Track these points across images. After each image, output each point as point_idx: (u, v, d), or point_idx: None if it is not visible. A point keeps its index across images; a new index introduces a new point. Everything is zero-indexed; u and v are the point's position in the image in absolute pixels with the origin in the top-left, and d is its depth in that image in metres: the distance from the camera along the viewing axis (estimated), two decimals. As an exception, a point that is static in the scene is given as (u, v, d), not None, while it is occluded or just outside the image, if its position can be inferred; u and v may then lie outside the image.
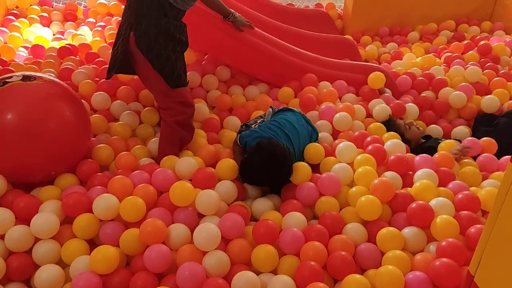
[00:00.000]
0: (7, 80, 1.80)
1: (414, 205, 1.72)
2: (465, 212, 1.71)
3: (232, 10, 2.48)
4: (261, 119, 2.26)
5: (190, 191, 1.76)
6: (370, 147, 2.07)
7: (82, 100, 2.08)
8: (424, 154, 2.03)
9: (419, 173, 1.91)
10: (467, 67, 2.91)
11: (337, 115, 2.35)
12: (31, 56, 3.00)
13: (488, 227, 1.02)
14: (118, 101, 2.46)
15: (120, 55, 2.03)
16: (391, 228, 1.68)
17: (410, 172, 1.98)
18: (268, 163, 1.81)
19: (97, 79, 2.63)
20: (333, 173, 1.95)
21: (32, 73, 1.91)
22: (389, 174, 1.93)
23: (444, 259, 1.50)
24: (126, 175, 1.87)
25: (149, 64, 2.01)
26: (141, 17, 1.98)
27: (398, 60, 3.25)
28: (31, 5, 3.70)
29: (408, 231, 1.69)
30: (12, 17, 3.47)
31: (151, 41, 1.99)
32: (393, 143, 2.11)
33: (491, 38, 3.56)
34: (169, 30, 2.02)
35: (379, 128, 2.33)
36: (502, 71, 2.97)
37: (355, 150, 2.07)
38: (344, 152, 2.07)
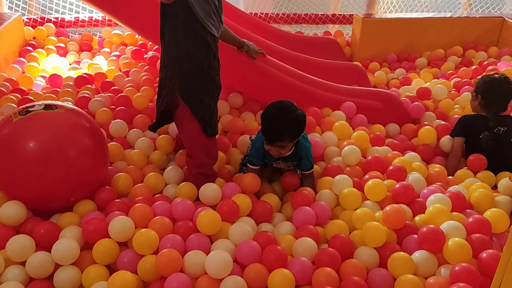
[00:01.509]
0: (29, 109, 1.86)
1: (425, 229, 1.73)
2: (477, 235, 1.72)
3: (245, 40, 2.55)
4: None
5: (218, 220, 1.81)
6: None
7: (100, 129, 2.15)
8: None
9: (432, 197, 1.93)
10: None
11: (346, 148, 2.32)
12: (49, 86, 3.09)
13: (506, 256, 1.03)
14: (135, 129, 2.52)
15: (165, 106, 2.02)
16: (402, 253, 1.70)
17: (419, 199, 2.00)
18: (278, 110, 1.95)
19: (113, 107, 2.70)
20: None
21: (53, 102, 1.98)
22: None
23: (461, 284, 1.50)
24: (147, 203, 1.90)
25: (189, 110, 1.97)
26: (182, 60, 1.93)
27: (406, 86, 3.30)
28: (48, 36, 3.82)
29: (419, 255, 1.70)
30: (30, 48, 3.58)
31: (193, 86, 1.96)
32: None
33: (498, 63, 3.60)
34: (210, 73, 1.99)
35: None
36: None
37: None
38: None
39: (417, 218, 1.92)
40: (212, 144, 2.10)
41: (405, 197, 1.98)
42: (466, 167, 2.35)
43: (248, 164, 2.18)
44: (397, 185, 2.01)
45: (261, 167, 2.19)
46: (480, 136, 2.39)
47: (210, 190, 1.99)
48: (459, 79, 3.31)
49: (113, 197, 2.00)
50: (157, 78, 3.06)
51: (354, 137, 2.45)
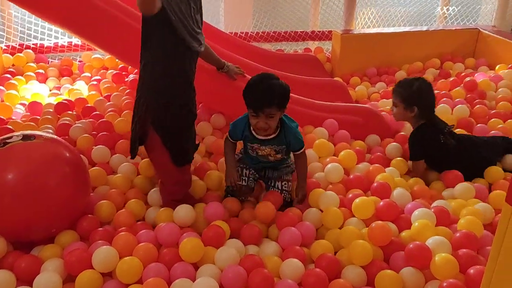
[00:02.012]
0: (7, 141, 1.84)
1: (411, 245, 1.73)
2: (464, 250, 1.73)
3: (225, 62, 2.56)
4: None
5: (200, 247, 1.78)
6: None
7: (81, 155, 2.12)
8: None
9: (416, 212, 1.94)
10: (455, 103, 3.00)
11: (329, 166, 2.33)
12: (29, 113, 3.05)
13: (489, 272, 1.04)
14: (118, 154, 2.49)
15: (139, 133, 1.97)
16: (389, 271, 1.69)
17: (404, 215, 2.01)
18: (262, 78, 1.98)
19: (94, 132, 2.67)
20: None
21: (32, 132, 1.96)
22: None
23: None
24: (131, 231, 1.88)
25: (158, 138, 1.93)
26: (156, 92, 1.88)
27: (385, 99, 3.34)
28: (27, 63, 3.79)
29: (406, 271, 1.70)
30: (9, 75, 3.54)
31: (167, 118, 1.91)
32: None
33: (475, 74, 3.67)
34: (185, 104, 1.95)
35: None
36: (493, 112, 3.03)
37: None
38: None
39: (403, 234, 1.92)
40: (183, 173, 2.06)
41: (389, 214, 1.98)
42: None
43: (228, 137, 2.17)
44: (381, 203, 2.01)
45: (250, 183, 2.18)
46: (442, 141, 2.37)
47: (184, 212, 1.98)
48: (438, 91, 3.36)
49: (96, 225, 1.96)
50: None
51: (341, 156, 2.44)
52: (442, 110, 2.95)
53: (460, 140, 2.43)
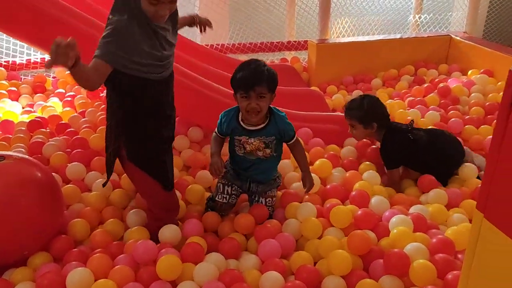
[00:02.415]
0: (-24, 162, 1.79)
1: (389, 253, 1.74)
2: (441, 255, 1.74)
3: (192, 15, 2.25)
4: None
5: (178, 265, 1.75)
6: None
7: (54, 174, 2.07)
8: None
9: (394, 219, 1.95)
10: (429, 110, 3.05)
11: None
12: (0, 132, 2.98)
13: (463, 280, 1.04)
14: (93, 172, 2.45)
15: (114, 162, 1.92)
16: (369, 280, 1.69)
17: (382, 222, 2.01)
18: (251, 61, 1.97)
19: (69, 150, 2.62)
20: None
21: (2, 153, 1.91)
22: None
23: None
24: (106, 251, 1.84)
25: (139, 169, 1.87)
26: (127, 126, 1.81)
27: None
28: (-1, 81, 3.72)
29: (385, 279, 1.70)
30: (-20, 94, 3.47)
31: (143, 151, 1.85)
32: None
33: (449, 80, 3.74)
34: (160, 131, 1.87)
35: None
36: (467, 117, 3.08)
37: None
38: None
39: (382, 241, 1.92)
40: (171, 197, 2.01)
41: (367, 222, 1.98)
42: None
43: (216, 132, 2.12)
44: (359, 212, 2.01)
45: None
46: (412, 138, 2.39)
47: (169, 231, 1.94)
48: (413, 98, 3.41)
49: (70, 246, 1.91)
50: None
51: (317, 165, 2.44)
52: (415, 113, 3.00)
53: (426, 131, 2.50)
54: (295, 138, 2.11)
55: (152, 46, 1.72)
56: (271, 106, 2.06)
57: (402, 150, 2.41)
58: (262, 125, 2.03)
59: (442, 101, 3.32)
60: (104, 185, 2.04)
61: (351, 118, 2.49)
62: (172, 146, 2.01)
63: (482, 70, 3.78)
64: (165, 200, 1.99)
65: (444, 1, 4.91)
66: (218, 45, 4.23)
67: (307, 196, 2.24)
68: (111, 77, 1.66)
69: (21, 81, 3.84)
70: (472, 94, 3.40)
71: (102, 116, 3.01)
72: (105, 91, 3.43)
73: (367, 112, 2.44)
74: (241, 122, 2.04)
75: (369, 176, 2.36)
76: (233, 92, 2.00)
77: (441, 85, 3.53)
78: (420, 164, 2.45)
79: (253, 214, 2.11)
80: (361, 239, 1.83)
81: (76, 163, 2.45)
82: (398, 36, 4.37)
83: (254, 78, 1.89)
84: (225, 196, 2.14)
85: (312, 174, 2.25)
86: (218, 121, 2.11)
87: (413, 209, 2.10)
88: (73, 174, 2.40)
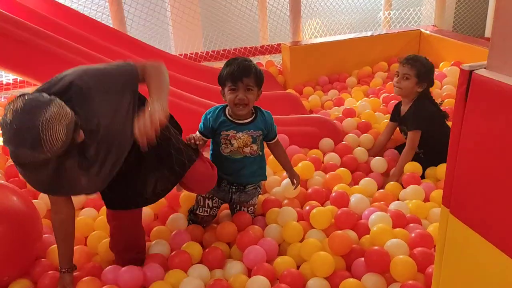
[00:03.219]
0: None
1: (370, 251, 1.77)
2: (419, 249, 1.77)
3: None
4: None
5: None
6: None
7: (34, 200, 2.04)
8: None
9: (373, 216, 1.97)
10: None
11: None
12: (-25, 158, 2.93)
13: (436, 277, 1.06)
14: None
15: None
16: (351, 280, 1.72)
17: (362, 221, 2.03)
18: (238, 57, 1.99)
19: (46, 171, 2.58)
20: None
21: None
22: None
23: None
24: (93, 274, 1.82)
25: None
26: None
27: (337, 107, 3.42)
28: (-29, 104, 3.65)
29: (367, 278, 1.73)
30: (-48, 120, 3.40)
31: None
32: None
33: (421, 73, 3.79)
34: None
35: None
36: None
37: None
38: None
39: (362, 240, 1.95)
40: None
41: (347, 222, 2.01)
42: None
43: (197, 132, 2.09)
44: (338, 211, 2.04)
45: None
46: (441, 113, 2.53)
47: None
48: (387, 94, 3.45)
49: (49, 269, 1.88)
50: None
51: (299, 167, 2.44)
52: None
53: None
54: (276, 138, 2.14)
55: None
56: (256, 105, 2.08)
57: (432, 115, 2.50)
58: (250, 119, 2.04)
59: (416, 95, 3.36)
60: None
61: (411, 68, 2.49)
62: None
63: (452, 62, 3.85)
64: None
65: (413, -4, 5.00)
66: (192, 53, 4.22)
67: (286, 201, 2.25)
68: None
69: (-6, 102, 3.79)
70: (444, 87, 3.45)
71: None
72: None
73: (427, 71, 2.52)
74: (229, 116, 2.04)
75: (365, 183, 2.38)
76: (220, 89, 2.01)
77: (414, 79, 3.57)
78: (434, 141, 2.47)
79: (236, 222, 2.11)
80: (341, 239, 1.86)
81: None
82: (369, 33, 4.42)
83: (242, 70, 1.92)
84: (206, 209, 2.14)
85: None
86: (202, 118, 2.09)
87: (393, 206, 2.12)
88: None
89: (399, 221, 1.98)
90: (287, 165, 2.19)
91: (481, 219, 0.93)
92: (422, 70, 2.50)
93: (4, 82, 3.88)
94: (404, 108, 2.62)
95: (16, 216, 1.80)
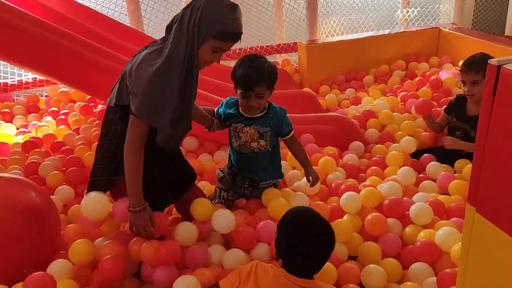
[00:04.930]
0: (-30, 186, 1.80)
1: (419, 243, 1.81)
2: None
3: (213, 119, 2.16)
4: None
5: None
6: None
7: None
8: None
9: (413, 207, 1.99)
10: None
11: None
12: (-4, 155, 2.98)
13: (460, 276, 1.04)
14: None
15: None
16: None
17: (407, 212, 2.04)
18: (250, 58, 1.98)
19: (64, 168, 2.62)
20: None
21: (-2, 174, 1.92)
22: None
23: None
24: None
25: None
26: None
27: (354, 106, 3.39)
28: (-9, 103, 3.72)
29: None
30: (-26, 118, 3.47)
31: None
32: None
33: (440, 72, 3.74)
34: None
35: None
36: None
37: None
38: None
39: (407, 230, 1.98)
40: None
41: (396, 211, 2.04)
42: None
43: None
44: (386, 201, 2.06)
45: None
46: None
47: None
48: (406, 92, 3.41)
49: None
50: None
51: (321, 163, 2.45)
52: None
53: None
54: (291, 133, 2.10)
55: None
56: (270, 102, 2.08)
57: None
58: (260, 114, 2.04)
59: (435, 93, 3.32)
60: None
61: (477, 73, 2.41)
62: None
63: (472, 59, 3.78)
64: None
65: (431, -6, 4.93)
66: (209, 52, 4.22)
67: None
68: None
69: (13, 102, 3.84)
70: (464, 85, 3.39)
71: (96, 132, 3.02)
72: (99, 106, 3.46)
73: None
74: (240, 110, 2.05)
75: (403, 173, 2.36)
76: (233, 85, 2.01)
77: (432, 77, 3.53)
78: None
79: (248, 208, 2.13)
80: (378, 220, 1.94)
81: (65, 186, 2.44)
82: (387, 31, 4.37)
83: (253, 79, 1.90)
84: (220, 201, 2.17)
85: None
86: (223, 102, 2.13)
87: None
88: (65, 197, 2.39)
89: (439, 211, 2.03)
90: (304, 162, 2.16)
91: (509, 217, 0.91)
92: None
93: (24, 81, 3.94)
94: (475, 108, 2.51)
95: (36, 211, 1.82)
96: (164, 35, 1.73)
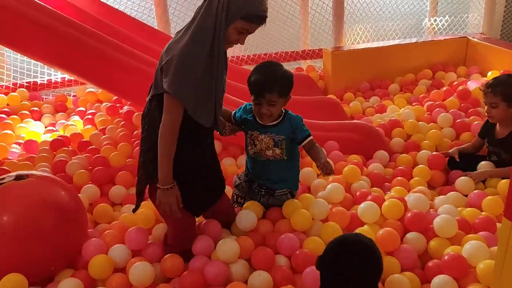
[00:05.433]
0: (0, 182, 1.83)
1: (446, 257, 1.76)
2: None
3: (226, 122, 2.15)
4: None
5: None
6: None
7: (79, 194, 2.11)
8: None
9: (438, 220, 1.94)
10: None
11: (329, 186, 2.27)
12: (24, 152, 3.04)
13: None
14: (117, 185, 2.50)
15: (145, 188, 1.92)
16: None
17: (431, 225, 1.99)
18: (265, 65, 2.03)
19: (90, 167, 2.66)
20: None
21: (25, 172, 1.95)
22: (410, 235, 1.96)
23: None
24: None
25: None
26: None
27: (379, 114, 3.36)
28: (21, 101, 3.80)
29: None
30: (4, 115, 3.54)
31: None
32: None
33: (468, 82, 3.68)
34: (191, 160, 1.88)
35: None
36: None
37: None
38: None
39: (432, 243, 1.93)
40: (190, 225, 1.96)
41: (418, 225, 1.99)
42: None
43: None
44: (408, 214, 2.02)
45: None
46: None
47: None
48: (432, 102, 3.36)
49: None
50: (135, 132, 3.08)
51: (346, 171, 2.43)
52: (442, 120, 2.99)
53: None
54: (309, 139, 2.04)
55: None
56: (286, 109, 2.07)
57: None
58: (275, 122, 2.03)
59: (462, 104, 3.27)
60: (134, 210, 1.97)
61: (495, 95, 2.37)
62: (202, 176, 1.93)
63: (502, 71, 3.71)
64: (183, 227, 1.94)
65: (459, 3, 4.85)
66: (233, 57, 4.25)
67: (329, 205, 2.19)
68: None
69: (42, 101, 3.93)
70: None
71: (123, 133, 3.06)
72: (124, 107, 3.51)
73: None
74: (256, 117, 2.06)
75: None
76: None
77: (460, 87, 3.48)
78: None
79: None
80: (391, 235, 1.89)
81: (91, 185, 2.49)
82: (414, 40, 4.33)
83: (264, 86, 1.92)
84: (237, 207, 2.18)
85: (336, 184, 2.23)
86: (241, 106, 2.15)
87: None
88: (91, 196, 2.43)
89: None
90: (321, 156, 2.00)
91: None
92: (508, 92, 2.34)
93: (53, 81, 4.03)
94: (502, 131, 2.46)
95: (66, 209, 1.86)
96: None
